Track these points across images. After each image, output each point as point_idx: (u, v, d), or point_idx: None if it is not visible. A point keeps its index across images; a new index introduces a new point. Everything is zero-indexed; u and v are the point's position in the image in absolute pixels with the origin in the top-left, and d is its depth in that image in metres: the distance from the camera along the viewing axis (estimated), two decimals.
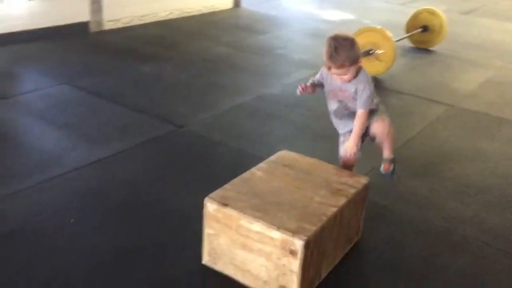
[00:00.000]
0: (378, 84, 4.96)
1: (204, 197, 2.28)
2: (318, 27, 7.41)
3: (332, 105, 2.72)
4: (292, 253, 2.09)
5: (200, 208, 2.30)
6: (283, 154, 2.72)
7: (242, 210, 2.20)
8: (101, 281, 2.26)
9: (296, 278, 2.13)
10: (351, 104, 2.63)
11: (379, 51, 5.11)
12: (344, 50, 2.45)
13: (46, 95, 4.28)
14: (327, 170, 2.59)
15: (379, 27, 5.33)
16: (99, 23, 6.41)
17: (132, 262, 2.38)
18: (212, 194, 2.30)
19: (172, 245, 2.52)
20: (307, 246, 2.08)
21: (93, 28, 6.35)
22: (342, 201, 2.33)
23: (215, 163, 3.40)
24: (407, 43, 6.53)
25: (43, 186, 2.94)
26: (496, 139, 4.08)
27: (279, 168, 2.56)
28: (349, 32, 2.68)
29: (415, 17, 6.54)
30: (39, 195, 2.86)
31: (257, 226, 2.15)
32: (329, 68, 2.54)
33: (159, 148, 3.55)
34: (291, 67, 5.52)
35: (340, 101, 2.66)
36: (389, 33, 5.20)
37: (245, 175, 2.48)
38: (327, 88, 2.69)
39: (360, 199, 2.52)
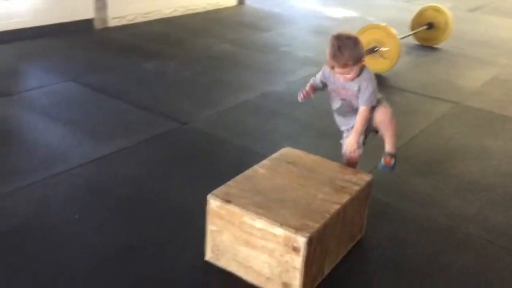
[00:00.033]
0: (382, 81, 4.96)
1: (208, 194, 2.29)
2: (323, 24, 7.40)
3: (335, 103, 2.71)
4: (295, 250, 2.09)
5: (203, 204, 2.31)
6: (287, 151, 2.72)
7: (245, 206, 2.21)
8: (107, 276, 2.28)
9: (299, 275, 2.13)
10: (354, 101, 2.62)
11: (383, 49, 5.10)
12: (347, 49, 2.44)
13: (51, 92, 4.29)
14: (331, 167, 2.59)
15: (383, 24, 5.31)
16: (104, 20, 6.43)
17: (135, 258, 2.40)
18: (215, 191, 2.30)
19: (175, 242, 2.53)
20: (310, 243, 2.08)
21: (97, 25, 6.37)
22: (345, 198, 2.34)
23: (219, 160, 3.41)
24: (412, 41, 6.51)
25: (47, 183, 2.95)
26: (500, 136, 4.07)
27: (282, 165, 2.57)
28: (353, 29, 2.67)
29: (420, 14, 6.52)
30: (44, 192, 2.87)
31: (260, 223, 2.15)
32: (333, 68, 2.53)
33: (163, 145, 3.56)
34: (296, 65, 5.52)
35: (343, 99, 2.66)
36: (394, 31, 5.19)
37: (248, 172, 2.49)
38: (330, 87, 2.68)
39: (364, 196, 2.52)
